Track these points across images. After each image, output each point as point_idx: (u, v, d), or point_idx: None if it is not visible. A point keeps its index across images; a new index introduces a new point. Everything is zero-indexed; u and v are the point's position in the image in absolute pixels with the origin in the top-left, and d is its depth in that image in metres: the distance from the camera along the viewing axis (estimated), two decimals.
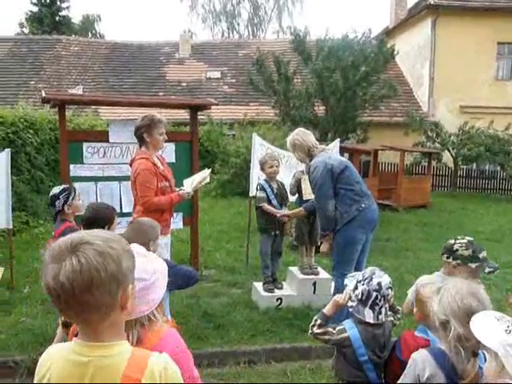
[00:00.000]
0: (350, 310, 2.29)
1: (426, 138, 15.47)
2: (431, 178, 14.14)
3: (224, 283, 5.40)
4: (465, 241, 2.56)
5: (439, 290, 1.78)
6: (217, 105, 6.38)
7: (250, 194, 5.96)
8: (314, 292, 4.69)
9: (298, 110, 12.96)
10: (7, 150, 5.11)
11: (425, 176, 14.19)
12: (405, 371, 1.81)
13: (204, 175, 4.05)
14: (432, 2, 17.14)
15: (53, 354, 1.19)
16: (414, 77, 18.82)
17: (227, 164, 12.25)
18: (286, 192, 4.91)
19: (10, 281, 4.96)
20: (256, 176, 5.79)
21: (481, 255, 2.53)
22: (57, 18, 27.24)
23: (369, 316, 2.22)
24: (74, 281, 1.04)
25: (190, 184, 3.93)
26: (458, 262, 2.50)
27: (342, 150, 9.28)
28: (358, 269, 3.62)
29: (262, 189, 4.70)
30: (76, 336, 1.18)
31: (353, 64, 12.43)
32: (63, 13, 27.93)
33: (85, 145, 4.93)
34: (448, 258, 2.55)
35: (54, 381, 1.15)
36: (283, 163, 5.77)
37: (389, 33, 20.01)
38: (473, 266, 2.49)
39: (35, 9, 27.13)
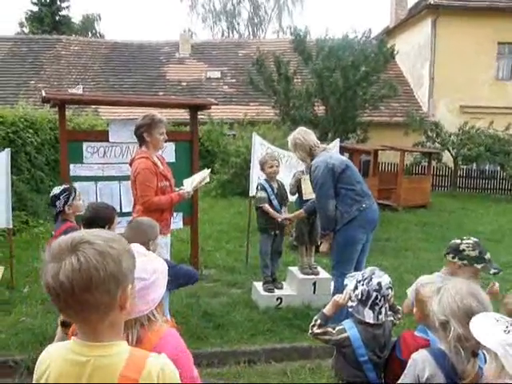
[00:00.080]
0: (350, 310, 2.29)
1: (426, 137, 15.47)
2: (431, 178, 14.15)
3: (224, 283, 5.40)
4: (471, 241, 2.55)
5: (439, 290, 1.78)
6: (217, 104, 6.38)
7: (250, 194, 5.96)
8: (314, 292, 4.69)
9: (298, 110, 12.96)
10: (7, 150, 5.11)
11: (425, 176, 14.19)
12: (405, 371, 1.81)
13: (204, 175, 4.06)
14: (432, 2, 17.13)
15: (52, 353, 1.20)
16: (414, 77, 18.82)
17: (227, 164, 12.25)
18: (286, 192, 4.91)
19: (9, 280, 4.96)
20: (256, 176, 5.79)
21: (486, 256, 2.53)
22: (57, 18, 27.21)
23: (369, 316, 2.22)
24: (73, 280, 1.04)
25: (189, 184, 3.94)
26: (465, 262, 2.49)
27: (342, 150, 9.28)
28: (357, 269, 3.62)
29: (263, 189, 4.70)
30: (75, 335, 1.18)
31: (353, 64, 12.42)
32: (63, 12, 27.92)
33: (85, 144, 4.92)
34: (454, 257, 2.53)
35: (52, 379, 1.15)
36: (283, 163, 5.78)
37: (389, 33, 20.00)
38: (478, 266, 2.49)
39: (35, 8, 27.13)
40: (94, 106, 14.51)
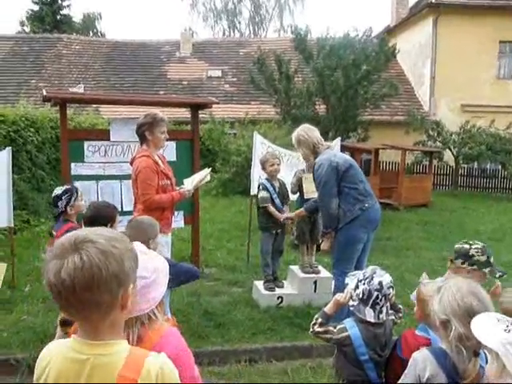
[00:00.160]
0: (351, 308, 2.29)
1: (427, 136, 15.45)
2: (432, 177, 14.14)
3: (225, 282, 5.40)
4: (480, 246, 2.53)
5: (439, 289, 1.77)
6: (218, 103, 6.38)
7: (251, 193, 5.96)
8: (315, 291, 4.69)
9: (299, 109, 12.95)
10: (8, 149, 5.11)
11: (426, 175, 14.18)
12: (405, 371, 1.80)
13: (204, 174, 4.06)
14: (433, 1, 17.10)
15: (52, 350, 1.20)
16: (415, 75, 18.79)
17: (228, 163, 12.25)
18: (287, 191, 4.91)
19: (11, 279, 4.97)
20: (257, 175, 5.78)
21: (491, 260, 2.53)
22: (58, 17, 27.23)
23: (370, 315, 2.22)
24: (75, 278, 1.04)
25: (190, 183, 3.94)
26: (475, 267, 2.48)
27: (343, 149, 9.26)
28: (358, 268, 3.61)
29: (265, 188, 4.68)
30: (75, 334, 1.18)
31: (354, 63, 12.41)
32: (64, 11, 27.95)
33: (86, 143, 4.92)
34: (463, 263, 2.51)
35: (52, 376, 1.16)
36: (284, 162, 5.77)
37: (390, 31, 19.96)
38: (486, 271, 2.49)
39: (36, 7, 27.14)
40: (94, 105, 14.51)
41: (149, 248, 1.72)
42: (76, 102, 9.95)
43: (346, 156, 4.02)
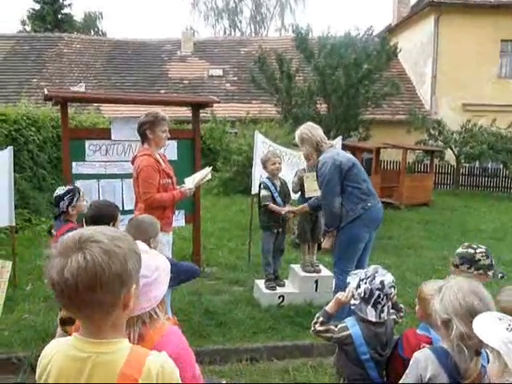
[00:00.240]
0: (353, 307, 2.29)
1: (428, 135, 15.43)
2: (433, 176, 14.13)
3: (226, 281, 5.40)
4: (483, 249, 2.52)
5: (441, 288, 1.77)
6: (219, 102, 6.38)
7: (252, 192, 5.96)
8: (316, 290, 4.69)
9: (300, 108, 12.94)
10: (10, 148, 5.11)
11: (427, 174, 14.17)
12: (407, 371, 1.80)
13: (205, 172, 4.06)
14: (435, 0, 17.08)
15: (54, 348, 1.21)
16: (417, 74, 18.77)
17: (229, 162, 12.25)
18: (289, 189, 4.90)
19: (12, 278, 4.97)
20: (258, 174, 5.78)
21: (493, 261, 2.52)
22: (59, 16, 27.25)
23: (371, 314, 2.22)
24: (78, 277, 1.04)
25: (191, 182, 3.94)
26: (480, 272, 2.48)
27: (344, 148, 9.23)
28: (360, 267, 3.60)
29: (266, 187, 4.68)
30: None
31: (355, 62, 12.40)
32: (65, 10, 27.97)
33: (87, 142, 4.93)
34: (469, 268, 2.49)
35: (53, 374, 1.16)
36: (285, 161, 5.77)
37: (391, 30, 19.94)
38: (490, 273, 2.49)
39: (37, 6, 27.14)
40: (96, 104, 14.53)
41: (150, 247, 1.73)
42: (77, 101, 9.98)
43: (350, 155, 4.01)
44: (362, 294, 2.23)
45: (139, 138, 3.82)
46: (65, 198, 3.19)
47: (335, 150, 3.95)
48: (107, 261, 1.06)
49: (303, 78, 13.92)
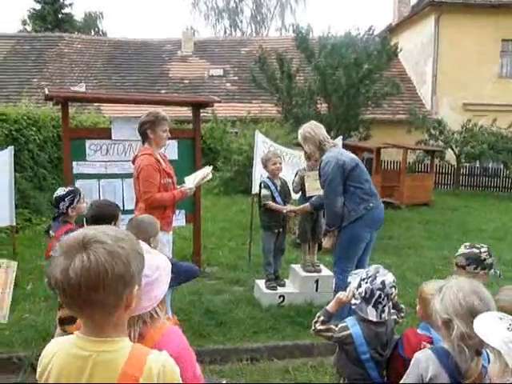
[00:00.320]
0: (353, 307, 2.29)
1: (428, 135, 15.42)
2: (434, 176, 14.12)
3: (226, 280, 5.40)
4: (486, 248, 2.52)
5: (441, 288, 1.77)
6: (219, 102, 6.38)
7: (253, 192, 5.96)
8: (317, 289, 4.69)
9: (301, 108, 12.95)
10: (10, 148, 5.12)
11: (427, 174, 14.16)
12: (408, 371, 1.80)
13: (206, 172, 4.05)
14: (435, 0, 17.07)
15: (55, 346, 1.21)
16: (417, 74, 18.76)
17: (230, 161, 12.25)
18: (289, 189, 4.90)
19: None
20: (259, 173, 5.78)
21: (493, 260, 2.53)
22: (59, 16, 27.25)
23: (372, 314, 2.22)
24: (81, 277, 1.04)
25: (191, 181, 3.94)
26: (486, 271, 2.48)
27: (345, 148, 9.20)
28: (360, 267, 3.60)
29: (266, 186, 4.68)
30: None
31: (356, 61, 12.40)
32: (66, 10, 27.97)
33: (87, 142, 4.93)
34: (476, 268, 2.50)
35: (54, 372, 1.16)
36: (286, 161, 5.77)
37: (392, 30, 19.92)
38: (492, 272, 2.49)
39: (38, 6, 27.14)
40: (96, 104, 14.53)
41: (150, 246, 1.73)
42: (78, 101, 9.98)
43: (352, 155, 3.99)
44: (363, 294, 2.23)
45: (139, 138, 3.82)
46: (65, 199, 3.17)
47: (338, 150, 3.95)
48: (110, 262, 1.06)
49: (304, 78, 13.93)
